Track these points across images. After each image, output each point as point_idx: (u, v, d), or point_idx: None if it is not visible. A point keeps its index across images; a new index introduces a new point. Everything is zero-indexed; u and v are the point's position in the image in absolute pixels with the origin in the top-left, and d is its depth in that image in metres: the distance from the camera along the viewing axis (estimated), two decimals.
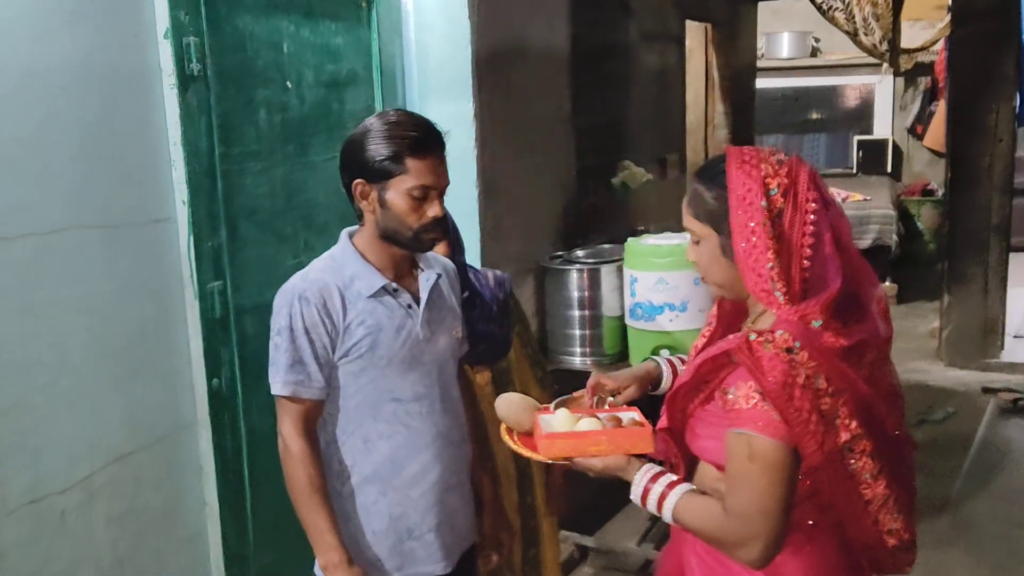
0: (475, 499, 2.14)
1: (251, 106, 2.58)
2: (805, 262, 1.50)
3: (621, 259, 3.47)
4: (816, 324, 1.48)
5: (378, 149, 1.84)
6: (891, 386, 1.61)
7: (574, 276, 3.53)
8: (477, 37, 3.16)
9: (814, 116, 10.63)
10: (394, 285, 1.92)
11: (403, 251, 1.94)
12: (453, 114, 3.16)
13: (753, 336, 1.47)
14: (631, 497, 1.66)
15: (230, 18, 2.50)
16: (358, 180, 1.86)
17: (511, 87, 3.40)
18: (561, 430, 1.80)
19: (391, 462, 1.93)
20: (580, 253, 3.67)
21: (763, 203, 1.49)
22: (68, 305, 2.15)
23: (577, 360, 3.60)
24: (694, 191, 1.62)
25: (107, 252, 2.25)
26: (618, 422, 1.81)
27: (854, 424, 1.48)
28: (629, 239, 3.45)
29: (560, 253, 3.70)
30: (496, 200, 3.30)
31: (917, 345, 6.58)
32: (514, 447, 1.87)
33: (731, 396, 1.50)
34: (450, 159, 3.17)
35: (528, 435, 1.90)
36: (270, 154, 2.67)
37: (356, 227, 1.99)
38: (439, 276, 2.02)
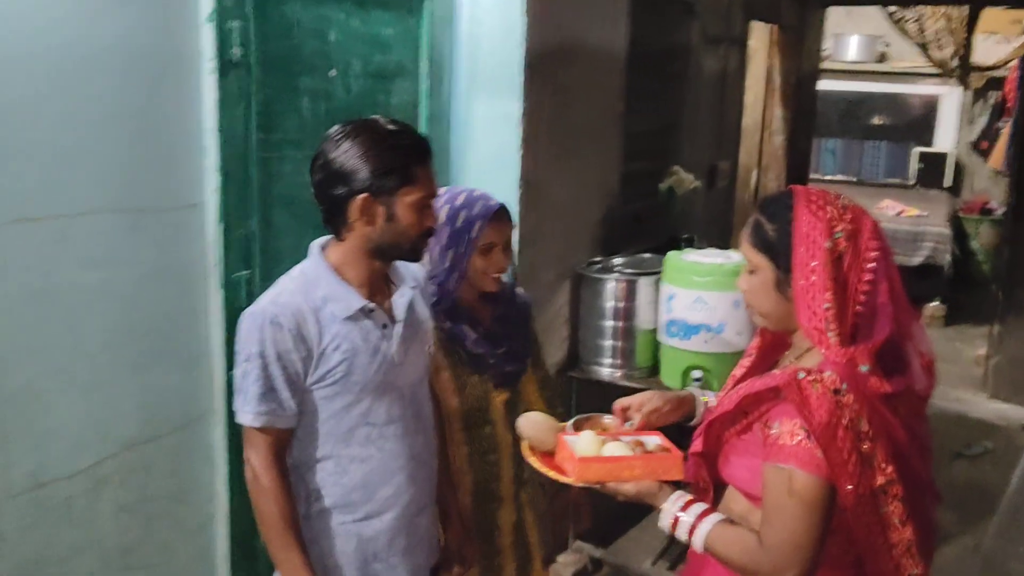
0: (440, 513, 2.08)
1: (294, 94, 2.52)
2: (859, 307, 1.54)
3: (660, 271, 3.38)
4: (864, 368, 1.51)
5: (386, 161, 1.74)
6: (924, 438, 1.63)
7: (610, 286, 3.44)
8: (531, 33, 3.06)
9: (875, 123, 10.36)
10: (371, 306, 1.82)
11: (386, 265, 1.87)
12: (500, 112, 3.08)
13: (802, 375, 1.50)
14: (660, 525, 1.68)
15: (278, 4, 2.43)
16: (361, 196, 1.74)
17: (561, 86, 3.30)
18: (586, 452, 1.79)
19: (363, 487, 1.86)
20: (618, 261, 3.57)
21: (827, 244, 1.53)
22: (88, 290, 2.11)
23: (606, 372, 3.51)
24: (756, 222, 1.64)
25: (132, 237, 2.20)
26: (642, 446, 1.81)
27: (890, 468, 1.51)
28: (669, 253, 3.35)
29: (598, 260, 3.60)
30: (537, 202, 3.21)
31: (961, 371, 6.39)
32: (538, 467, 1.86)
33: (775, 431, 1.53)
34: (493, 159, 3.13)
35: (550, 455, 1.89)
36: (312, 143, 2.59)
37: (326, 239, 1.88)
38: (413, 289, 1.94)
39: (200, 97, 2.31)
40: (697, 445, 1.72)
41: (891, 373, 1.55)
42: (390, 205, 1.76)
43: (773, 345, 1.77)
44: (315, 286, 1.79)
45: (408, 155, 1.78)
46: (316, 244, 1.87)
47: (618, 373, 3.50)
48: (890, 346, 1.55)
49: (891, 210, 8.44)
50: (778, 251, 1.59)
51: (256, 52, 2.38)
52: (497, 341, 2.30)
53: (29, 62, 1.93)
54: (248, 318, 1.77)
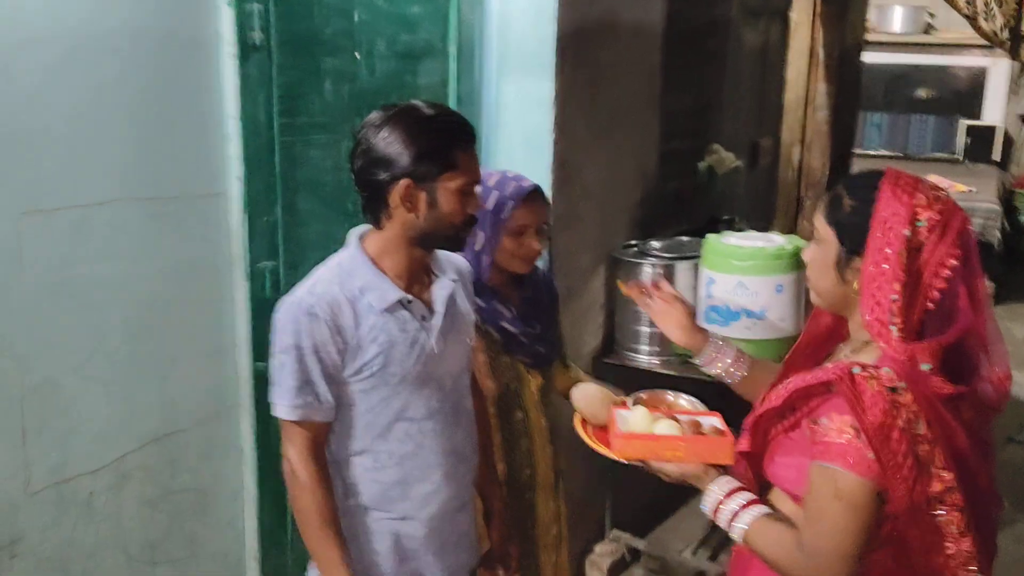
0: (484, 511, 2.03)
1: (316, 76, 2.44)
2: (929, 304, 1.44)
3: (699, 255, 3.27)
4: (925, 367, 1.42)
5: (428, 145, 1.69)
6: (986, 443, 1.54)
7: (647, 270, 3.32)
8: (563, 10, 2.94)
9: (921, 96, 10.07)
10: (408, 297, 1.77)
11: (427, 255, 1.81)
12: (532, 93, 2.97)
13: (857, 370, 1.41)
14: (702, 507, 1.63)
15: None
16: (403, 181, 1.68)
17: (596, 65, 3.19)
18: (638, 429, 1.77)
19: (401, 484, 1.81)
20: (656, 244, 3.45)
21: (906, 231, 1.43)
22: (108, 282, 2.06)
23: (643, 358, 3.41)
24: (836, 195, 1.56)
25: (153, 227, 2.15)
26: (698, 427, 1.77)
27: (949, 475, 1.42)
28: (708, 236, 3.23)
29: (634, 244, 3.49)
30: (571, 185, 3.11)
31: (1011, 352, 6.20)
32: (586, 440, 1.87)
33: (822, 427, 1.45)
34: (525, 141, 3.03)
35: (603, 429, 1.89)
36: (336, 126, 2.53)
37: (364, 228, 1.82)
38: (455, 281, 1.87)
39: (220, 83, 2.24)
40: (743, 443, 1.63)
41: (957, 378, 1.44)
42: (432, 191, 1.71)
43: (829, 334, 1.67)
44: (352, 276, 1.74)
45: (451, 140, 1.73)
46: (354, 233, 1.82)
47: (655, 360, 3.40)
48: (961, 352, 1.46)
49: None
50: (848, 229, 1.51)
51: (277, 35, 2.30)
52: (529, 321, 2.23)
53: (40, 47, 1.87)
54: (284, 309, 1.73)
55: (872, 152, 10.00)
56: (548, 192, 3.00)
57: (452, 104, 2.92)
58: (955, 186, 8.02)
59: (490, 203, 2.13)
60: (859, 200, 1.51)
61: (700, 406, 2.02)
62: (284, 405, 1.71)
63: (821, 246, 1.57)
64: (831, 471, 1.43)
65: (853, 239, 1.50)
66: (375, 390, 1.75)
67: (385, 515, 1.81)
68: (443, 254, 1.89)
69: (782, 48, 5.21)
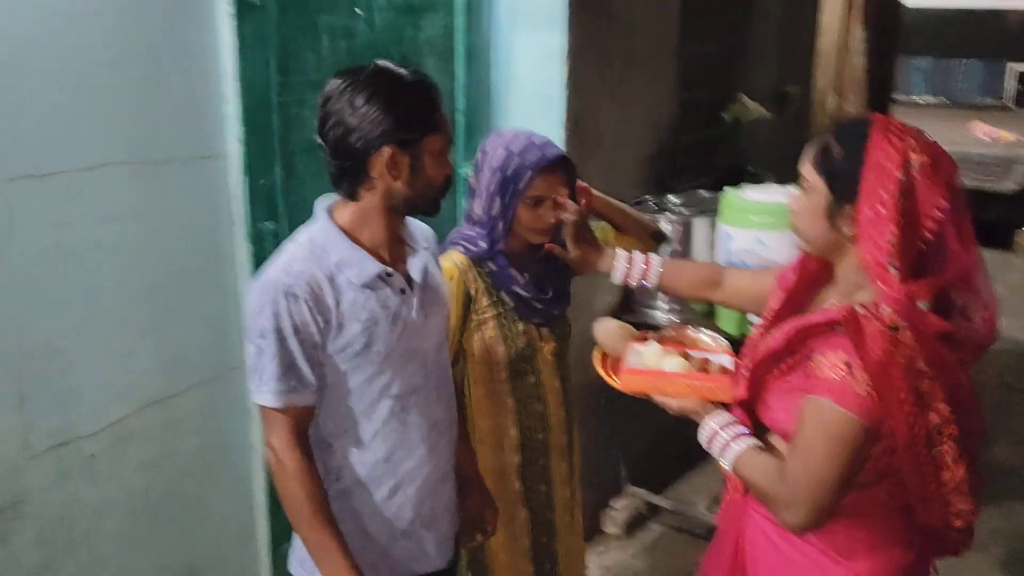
0: (459, 479, 1.99)
1: (314, 33, 2.39)
2: (924, 245, 1.47)
3: (717, 210, 3.19)
4: (923, 305, 1.46)
5: (410, 108, 1.63)
6: (971, 382, 1.58)
7: (664, 226, 3.26)
8: None
9: (968, 39, 9.74)
10: (388, 270, 1.70)
11: (402, 223, 1.77)
12: (543, 47, 2.90)
13: (860, 309, 1.45)
14: (699, 438, 1.70)
15: None
16: (387, 148, 1.62)
17: (610, 15, 3.10)
18: (650, 364, 1.87)
19: (386, 462, 1.77)
20: (674, 200, 3.39)
21: (900, 175, 1.45)
22: (104, 245, 2.06)
23: (661, 316, 3.36)
24: (825, 144, 1.57)
25: (150, 189, 2.13)
26: (706, 365, 1.84)
27: (945, 408, 1.47)
28: (726, 190, 3.16)
29: (651, 198, 3.42)
30: (584, 140, 3.04)
31: None
32: (601, 372, 1.96)
33: (815, 363, 1.49)
34: (537, 97, 2.96)
35: (619, 363, 1.96)
36: None
37: (331, 200, 1.75)
38: (426, 250, 1.83)
39: (218, 42, 2.20)
40: (740, 391, 1.68)
41: (944, 313, 1.49)
42: (416, 156, 1.66)
43: (815, 278, 1.70)
44: (327, 252, 1.67)
45: (430, 101, 1.67)
46: (321, 206, 1.74)
47: (674, 318, 3.35)
48: (951, 292, 1.51)
49: (980, 132, 7.97)
50: (838, 177, 1.52)
51: None
52: (543, 287, 2.19)
53: (27, 7, 1.84)
54: (259, 290, 1.65)
55: (915, 98, 9.74)
56: (561, 147, 2.95)
57: (460, 59, 2.87)
58: (1001, 134, 7.79)
59: (510, 170, 2.04)
60: (849, 148, 1.52)
61: (723, 342, 2.06)
62: (267, 392, 1.64)
63: (810, 195, 1.58)
64: (820, 403, 1.47)
65: (844, 187, 1.51)
66: (359, 369, 1.70)
67: (373, 495, 1.78)
68: (411, 222, 1.84)
69: None
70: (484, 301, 2.12)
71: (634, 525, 3.67)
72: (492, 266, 2.12)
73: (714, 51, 3.99)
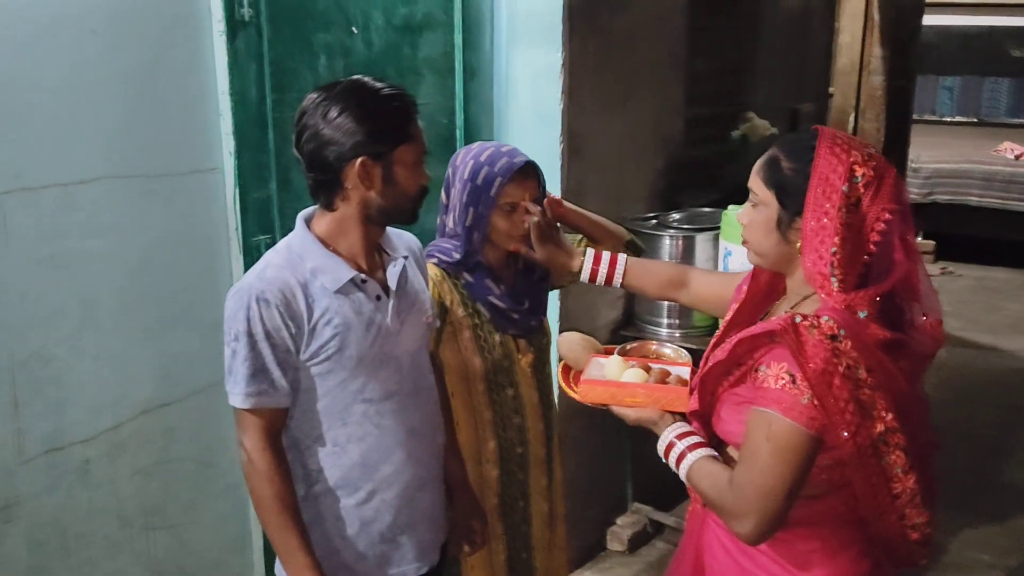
0: (445, 485, 2.01)
1: (309, 51, 2.45)
2: (867, 257, 1.49)
3: (719, 227, 3.20)
4: (862, 315, 1.47)
5: (382, 120, 1.67)
6: (922, 392, 1.61)
7: (666, 242, 3.28)
8: None
9: (997, 58, 9.64)
10: (362, 276, 1.75)
11: (380, 232, 1.80)
12: (540, 63, 2.94)
13: (799, 319, 1.46)
14: (657, 449, 1.70)
15: None
16: (360, 158, 1.67)
17: (609, 32, 3.13)
18: (611, 376, 1.88)
19: (362, 466, 1.79)
20: (676, 217, 3.40)
21: (844, 187, 1.48)
22: (95, 256, 2.11)
23: (663, 331, 3.37)
24: (773, 157, 1.59)
25: (144, 203, 2.19)
26: (665, 376, 1.86)
27: (890, 416, 1.47)
28: (729, 207, 3.17)
29: (653, 216, 3.44)
30: (581, 157, 3.07)
31: None
32: (562, 384, 2.00)
33: (761, 374, 1.51)
34: (535, 113, 3.00)
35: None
36: None
37: (310, 211, 1.80)
38: (406, 259, 1.85)
39: (211, 59, 2.27)
40: (692, 402, 1.69)
41: (892, 327, 1.50)
42: (388, 166, 1.70)
43: (767, 292, 1.72)
44: (303, 259, 1.72)
45: (403, 112, 1.71)
46: (301, 216, 1.80)
47: (675, 333, 3.36)
48: (894, 301, 1.52)
49: (1010, 152, 7.90)
50: (788, 191, 1.54)
51: (267, 10, 2.32)
52: (519, 298, 2.22)
53: (23, 23, 1.92)
54: (234, 296, 1.71)
55: (946, 118, 9.65)
56: (557, 164, 2.98)
57: (459, 76, 2.91)
58: None
59: (480, 179, 2.09)
60: (797, 161, 1.54)
61: (686, 356, 2.08)
62: (238, 393, 1.69)
63: (760, 208, 1.60)
64: (766, 415, 1.48)
65: (794, 200, 1.53)
66: (332, 373, 1.74)
67: (349, 499, 1.80)
68: (393, 232, 1.88)
69: (828, 8, 5.03)
70: (459, 312, 2.15)
71: (639, 542, 3.65)
72: (468, 277, 2.15)
73: (722, 67, 4.01)
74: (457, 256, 2.14)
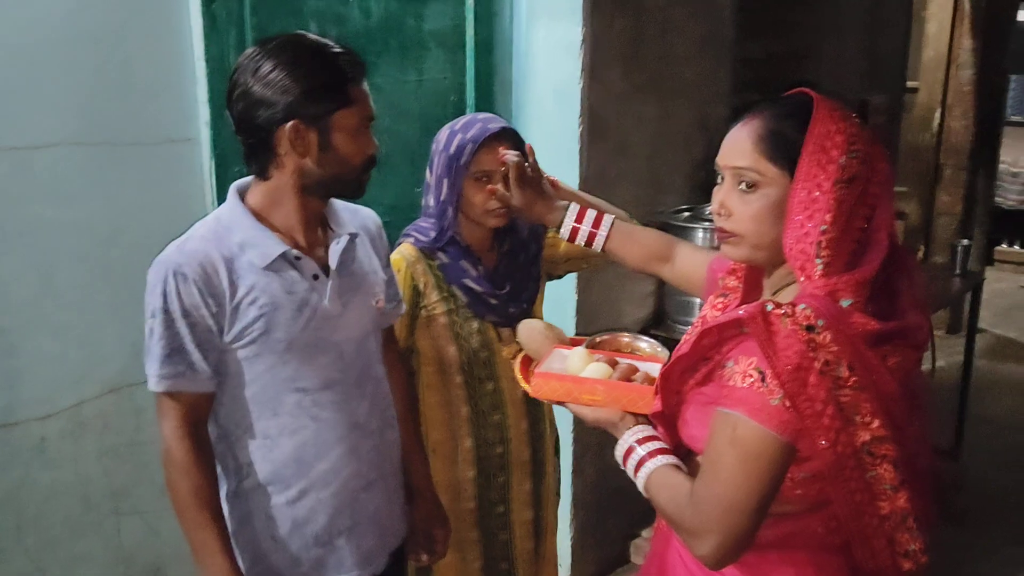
0: (405, 489, 1.84)
1: (296, 18, 2.32)
2: (853, 243, 1.28)
3: None
4: (845, 303, 1.25)
5: (317, 80, 1.51)
6: (919, 395, 1.36)
7: (699, 235, 3.05)
8: None
9: None
10: (295, 253, 1.58)
11: (323, 205, 1.64)
12: (561, 39, 2.75)
13: (770, 307, 1.25)
14: (615, 454, 1.49)
15: None
16: (291, 122, 1.51)
17: (640, 8, 2.92)
18: (572, 370, 1.63)
19: (295, 461, 1.63)
20: (708, 209, 3.16)
21: (842, 160, 1.27)
22: (55, 224, 2.03)
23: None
24: (775, 128, 1.32)
25: (109, 171, 2.10)
26: (631, 373, 1.58)
27: (876, 423, 1.26)
28: None
29: (688, 208, 3.21)
30: (603, 141, 2.87)
31: None
32: (517, 376, 1.73)
33: (727, 371, 1.30)
34: (554, 91, 2.81)
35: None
36: None
37: (246, 181, 1.64)
38: (354, 236, 1.68)
39: (187, 22, 2.16)
40: (656, 403, 1.45)
41: (881, 315, 1.27)
42: (325, 131, 1.54)
43: (755, 285, 1.48)
44: (231, 232, 1.57)
45: (342, 72, 1.54)
46: (234, 186, 1.65)
47: None
48: (884, 285, 1.30)
49: None
50: (796, 160, 1.30)
51: None
52: (499, 282, 2.04)
53: None
54: (153, 269, 1.57)
55: (1015, 119, 9.05)
56: (576, 147, 2.79)
57: (469, 51, 2.74)
58: None
59: (452, 148, 1.94)
60: (796, 124, 1.30)
61: (663, 351, 1.80)
62: (153, 375, 1.54)
63: (764, 190, 1.33)
64: (731, 417, 1.27)
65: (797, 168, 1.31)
66: (259, 358, 1.58)
67: (281, 496, 1.65)
68: (347, 207, 1.72)
69: None
70: (434, 296, 1.99)
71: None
72: (443, 257, 1.99)
73: (779, 52, 3.74)
74: (433, 234, 1.98)
